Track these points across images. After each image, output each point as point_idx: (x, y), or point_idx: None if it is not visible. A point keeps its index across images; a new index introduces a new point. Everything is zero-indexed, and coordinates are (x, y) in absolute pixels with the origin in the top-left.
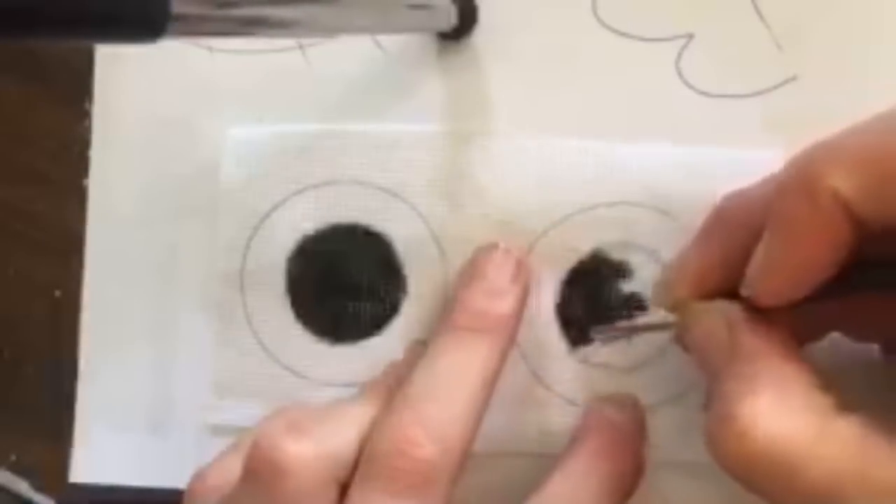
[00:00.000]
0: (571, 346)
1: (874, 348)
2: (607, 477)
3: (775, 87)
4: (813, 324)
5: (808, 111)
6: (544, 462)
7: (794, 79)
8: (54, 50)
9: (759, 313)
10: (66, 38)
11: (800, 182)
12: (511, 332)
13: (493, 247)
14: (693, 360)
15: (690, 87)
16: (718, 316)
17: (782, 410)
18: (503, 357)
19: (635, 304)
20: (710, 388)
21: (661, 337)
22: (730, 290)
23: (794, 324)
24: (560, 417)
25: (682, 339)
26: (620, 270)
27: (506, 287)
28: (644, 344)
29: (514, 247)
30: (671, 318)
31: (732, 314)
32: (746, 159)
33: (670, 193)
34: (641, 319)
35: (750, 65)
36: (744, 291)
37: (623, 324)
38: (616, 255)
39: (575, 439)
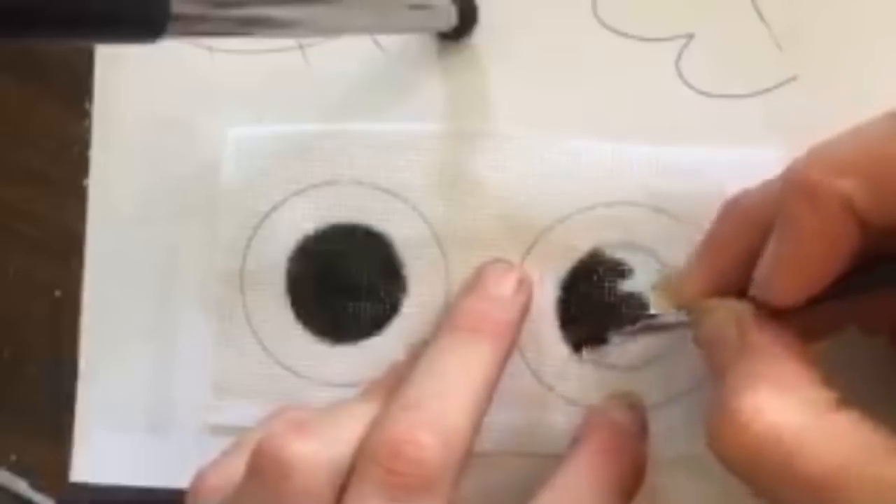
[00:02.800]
0: (572, 346)
1: (880, 342)
2: (611, 476)
3: (775, 87)
4: (824, 321)
5: (808, 111)
6: (544, 462)
7: (794, 79)
8: (54, 50)
9: (769, 312)
10: (66, 38)
11: (802, 186)
12: (512, 339)
13: (495, 261)
14: (703, 357)
15: (690, 87)
16: (728, 313)
17: (783, 404)
18: (504, 360)
19: (634, 303)
20: (716, 385)
21: (661, 337)
22: (739, 289)
23: (806, 321)
24: (561, 417)
25: (693, 336)
26: (619, 270)
27: (508, 297)
28: (644, 344)
29: (513, 246)
30: (686, 317)
31: (742, 312)
32: (746, 159)
33: (670, 193)
34: (659, 319)
35: (750, 65)
36: (753, 292)
37: (640, 325)
38: (615, 254)
39: (577, 439)
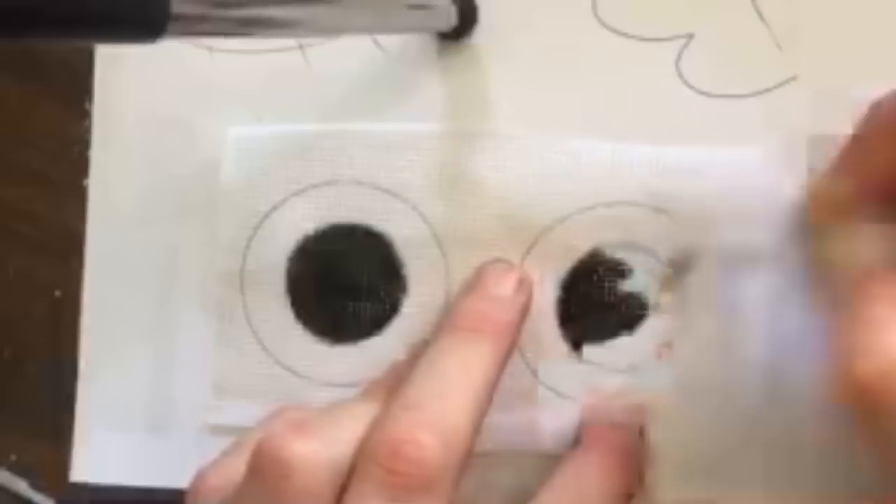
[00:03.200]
0: (572, 346)
1: None
2: (611, 476)
3: (775, 87)
4: None
5: (808, 111)
6: (545, 461)
7: (794, 79)
8: (54, 50)
9: None
10: (66, 38)
11: None
12: (512, 339)
13: (495, 261)
14: (819, 280)
15: (690, 87)
16: (878, 237)
17: None
18: (504, 360)
19: (634, 303)
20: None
21: (661, 337)
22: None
23: None
24: (561, 417)
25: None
26: (619, 270)
27: (508, 297)
28: (644, 344)
29: (513, 246)
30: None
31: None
32: (746, 159)
33: (669, 193)
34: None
35: (750, 65)
36: None
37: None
38: (615, 254)
39: (578, 439)
